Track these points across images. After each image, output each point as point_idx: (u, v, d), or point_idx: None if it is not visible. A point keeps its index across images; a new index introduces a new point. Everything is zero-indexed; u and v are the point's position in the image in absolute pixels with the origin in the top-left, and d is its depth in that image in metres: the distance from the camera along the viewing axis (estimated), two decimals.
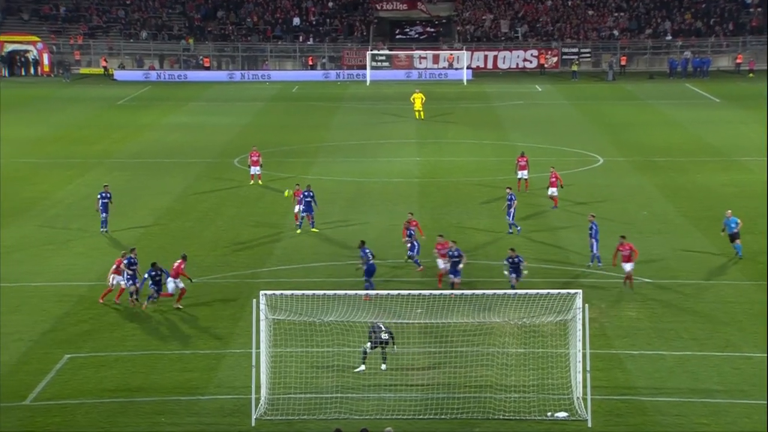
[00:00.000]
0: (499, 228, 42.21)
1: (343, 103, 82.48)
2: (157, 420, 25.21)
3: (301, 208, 42.28)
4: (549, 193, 45.73)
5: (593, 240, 36.92)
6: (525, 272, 33.73)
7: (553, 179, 45.66)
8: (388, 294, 30.31)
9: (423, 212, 44.38)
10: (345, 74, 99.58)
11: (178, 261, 33.45)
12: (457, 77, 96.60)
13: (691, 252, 39.20)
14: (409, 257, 36.83)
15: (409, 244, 36.89)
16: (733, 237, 38.21)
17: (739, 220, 38.08)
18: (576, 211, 45.70)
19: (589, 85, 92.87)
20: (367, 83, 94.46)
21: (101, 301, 33.53)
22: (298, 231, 41.98)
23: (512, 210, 41.50)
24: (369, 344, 27.49)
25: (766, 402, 25.63)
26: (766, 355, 28.68)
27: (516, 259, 33.70)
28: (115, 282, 33.51)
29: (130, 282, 32.94)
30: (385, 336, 27.40)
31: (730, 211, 38.61)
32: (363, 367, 27.44)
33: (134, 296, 33.06)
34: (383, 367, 27.56)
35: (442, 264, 34.38)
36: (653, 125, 70.29)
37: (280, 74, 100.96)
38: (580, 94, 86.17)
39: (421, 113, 72.45)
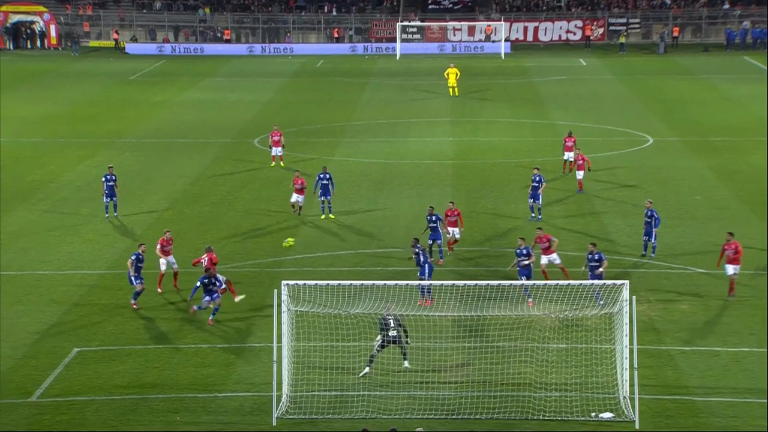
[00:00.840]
0: (542, 213, 42.07)
1: (371, 79, 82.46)
2: (171, 419, 25.40)
3: (301, 198, 41.88)
4: (579, 177, 45.51)
5: (653, 229, 36.58)
6: (600, 270, 31.65)
7: (581, 162, 45.52)
8: (419, 285, 30.36)
9: (457, 196, 44.31)
10: (373, 47, 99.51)
11: (206, 256, 32.92)
12: (494, 50, 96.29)
13: (749, 240, 38.84)
14: (431, 246, 36.30)
15: (431, 232, 36.09)
16: None
17: None
18: (622, 195, 45.54)
19: (639, 59, 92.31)
20: (397, 57, 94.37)
21: (159, 290, 33.67)
22: (296, 216, 41.81)
23: (539, 193, 41.25)
24: (376, 345, 27.31)
25: (766, 400, 25.65)
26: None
27: (597, 256, 31.95)
28: (164, 267, 33.63)
29: (138, 281, 32.30)
30: (393, 333, 27.16)
31: None
32: (367, 369, 27.25)
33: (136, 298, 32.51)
34: (405, 364, 27.48)
35: (545, 259, 33.73)
36: (708, 102, 69.79)
37: (304, 47, 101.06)
38: (629, 69, 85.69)
39: (456, 90, 72.35)
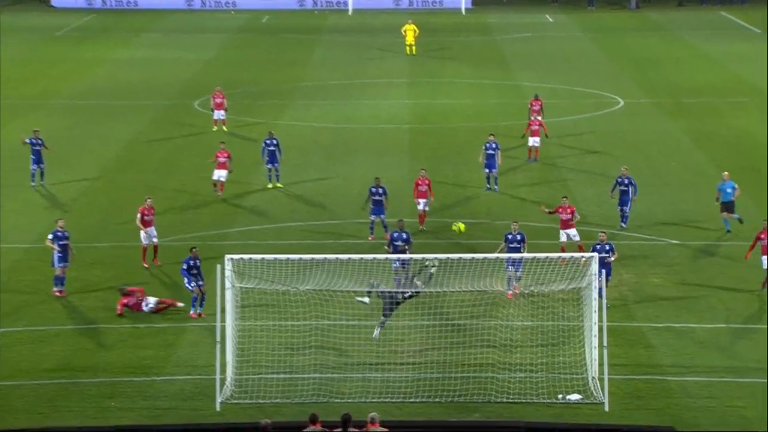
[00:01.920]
0: (504, 182, 42.22)
1: (321, 36, 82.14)
2: (105, 404, 25.30)
3: (224, 175, 40.47)
4: (530, 143, 45.35)
5: (630, 199, 36.66)
6: (611, 258, 30.49)
7: (536, 127, 45.31)
8: (375, 258, 30.33)
9: (415, 163, 44.35)
10: (323, 1, 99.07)
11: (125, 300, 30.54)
12: (454, 5, 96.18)
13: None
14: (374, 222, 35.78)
15: (371, 206, 35.58)
16: (726, 207, 36.65)
17: (737, 185, 36.75)
18: (590, 162, 45.79)
19: (609, 15, 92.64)
20: (350, 12, 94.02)
21: (145, 264, 33.54)
22: (219, 196, 40.82)
23: (495, 161, 41.09)
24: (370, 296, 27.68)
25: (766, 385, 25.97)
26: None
27: (608, 247, 30.62)
28: (146, 240, 33.45)
29: (61, 264, 31.27)
30: (408, 294, 27.53)
31: (727, 173, 37.94)
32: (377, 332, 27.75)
33: (60, 284, 31.49)
34: (376, 332, 27.60)
35: (564, 235, 33.55)
36: (683, 61, 70.21)
37: (248, 1, 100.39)
38: (598, 26, 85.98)
39: (413, 48, 72.25)
